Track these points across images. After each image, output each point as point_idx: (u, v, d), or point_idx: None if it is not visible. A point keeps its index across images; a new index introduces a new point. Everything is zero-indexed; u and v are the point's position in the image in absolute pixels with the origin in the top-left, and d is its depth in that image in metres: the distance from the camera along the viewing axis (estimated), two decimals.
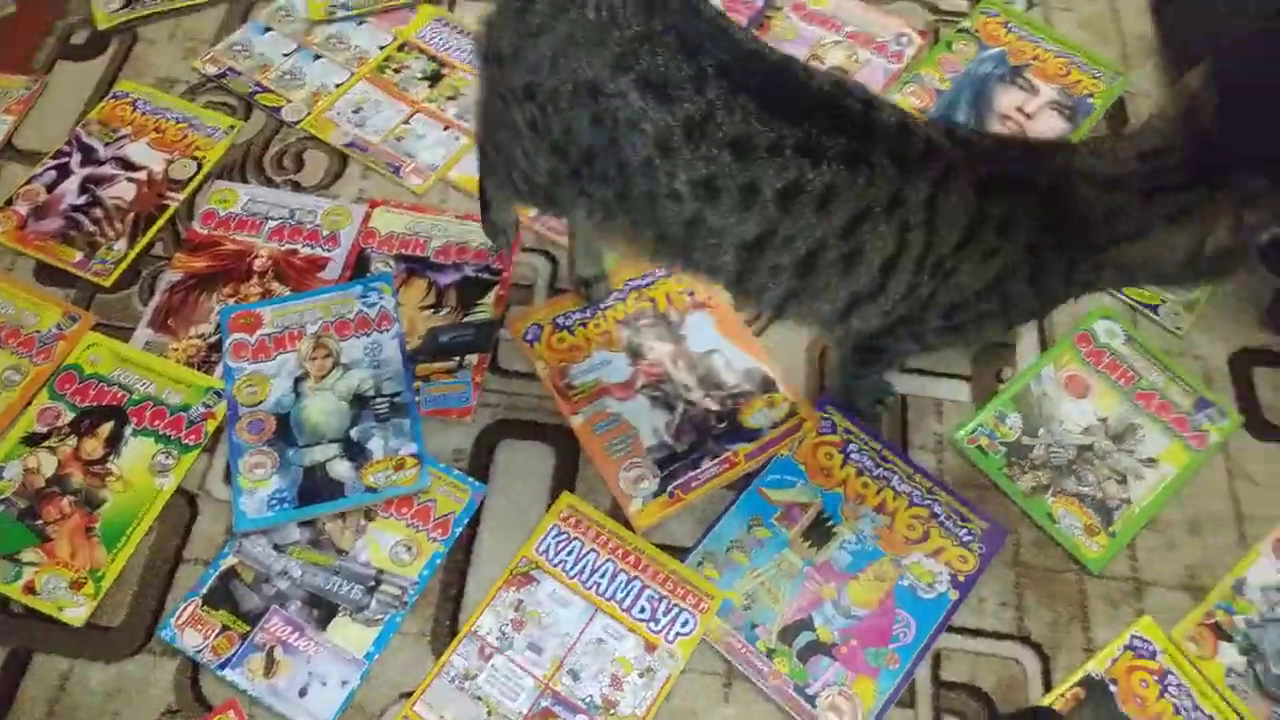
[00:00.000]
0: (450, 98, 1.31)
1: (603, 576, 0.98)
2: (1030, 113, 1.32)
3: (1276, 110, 0.89)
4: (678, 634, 0.95)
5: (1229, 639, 0.97)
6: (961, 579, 0.98)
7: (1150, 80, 1.37)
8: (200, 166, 1.26)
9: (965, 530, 1.01)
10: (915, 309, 0.86)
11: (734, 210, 0.79)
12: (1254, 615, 0.98)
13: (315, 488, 1.02)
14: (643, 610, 0.96)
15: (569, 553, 0.99)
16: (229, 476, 1.03)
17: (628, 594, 0.97)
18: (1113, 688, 0.94)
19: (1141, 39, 1.41)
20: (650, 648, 0.94)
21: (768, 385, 1.09)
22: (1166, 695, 0.94)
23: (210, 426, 1.06)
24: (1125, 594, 0.99)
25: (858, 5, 1.41)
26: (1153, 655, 0.95)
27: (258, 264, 1.18)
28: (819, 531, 1.01)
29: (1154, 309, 1.17)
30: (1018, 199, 0.81)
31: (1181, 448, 1.07)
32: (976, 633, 0.96)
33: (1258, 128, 0.78)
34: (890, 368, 1.06)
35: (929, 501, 1.02)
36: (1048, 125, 1.30)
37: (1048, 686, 0.94)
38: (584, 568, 0.98)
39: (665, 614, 0.96)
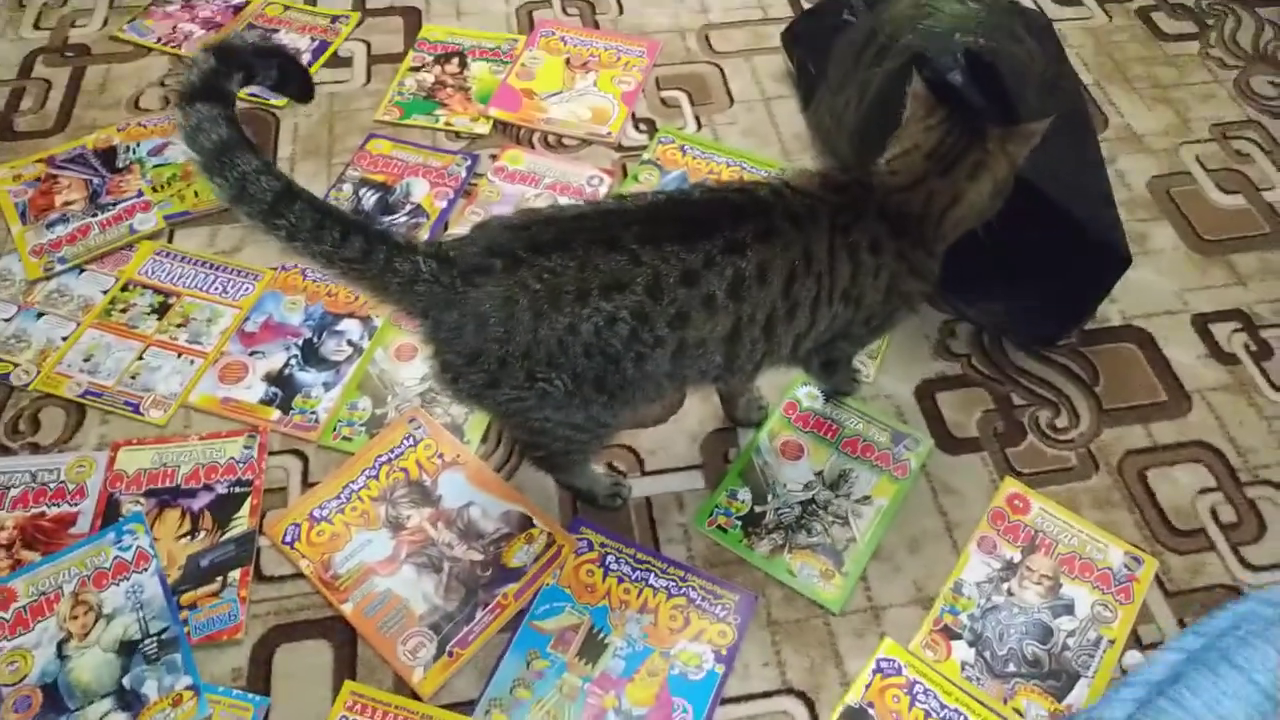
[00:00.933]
0: (180, 325, 1.36)
1: None
2: None
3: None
4: None
5: (958, 636, 1.10)
6: (724, 652, 1.08)
7: (810, 167, 1.59)
8: None
9: (720, 606, 1.11)
10: (843, 327, 1.07)
11: (705, 321, 0.95)
12: (974, 609, 1.12)
13: None
14: None
15: None
16: None
17: None
18: (871, 711, 1.05)
19: (797, 136, 1.65)
20: None
21: (525, 523, 1.18)
22: (916, 703, 1.05)
23: None
24: (866, 623, 1.12)
25: (549, 158, 1.58)
26: (899, 671, 1.07)
27: (4, 537, 1.17)
28: (592, 647, 1.08)
29: None
30: (869, 225, 1.02)
31: (889, 480, 1.23)
32: (746, 698, 1.06)
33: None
34: (849, 366, 1.27)
35: (684, 589, 1.12)
36: None
37: None
38: None
39: None
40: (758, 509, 1.20)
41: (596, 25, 1.83)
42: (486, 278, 0.91)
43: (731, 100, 1.69)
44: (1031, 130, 1.04)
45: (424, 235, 1.47)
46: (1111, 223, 1.31)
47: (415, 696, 1.05)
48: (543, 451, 1.09)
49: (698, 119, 1.66)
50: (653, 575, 1.14)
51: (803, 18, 1.71)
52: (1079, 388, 1.34)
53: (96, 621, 1.10)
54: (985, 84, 1.18)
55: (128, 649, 1.08)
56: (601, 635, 1.09)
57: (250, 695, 1.05)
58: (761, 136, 1.64)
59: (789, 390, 1.30)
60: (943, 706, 1.05)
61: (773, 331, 1.00)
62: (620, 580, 1.13)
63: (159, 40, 1.78)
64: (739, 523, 1.19)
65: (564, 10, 1.85)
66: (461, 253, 0.93)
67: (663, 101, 1.68)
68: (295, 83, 0.97)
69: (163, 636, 1.08)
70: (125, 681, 1.05)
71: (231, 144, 0.87)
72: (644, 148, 1.60)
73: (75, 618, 1.10)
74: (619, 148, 1.61)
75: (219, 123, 0.87)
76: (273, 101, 1.65)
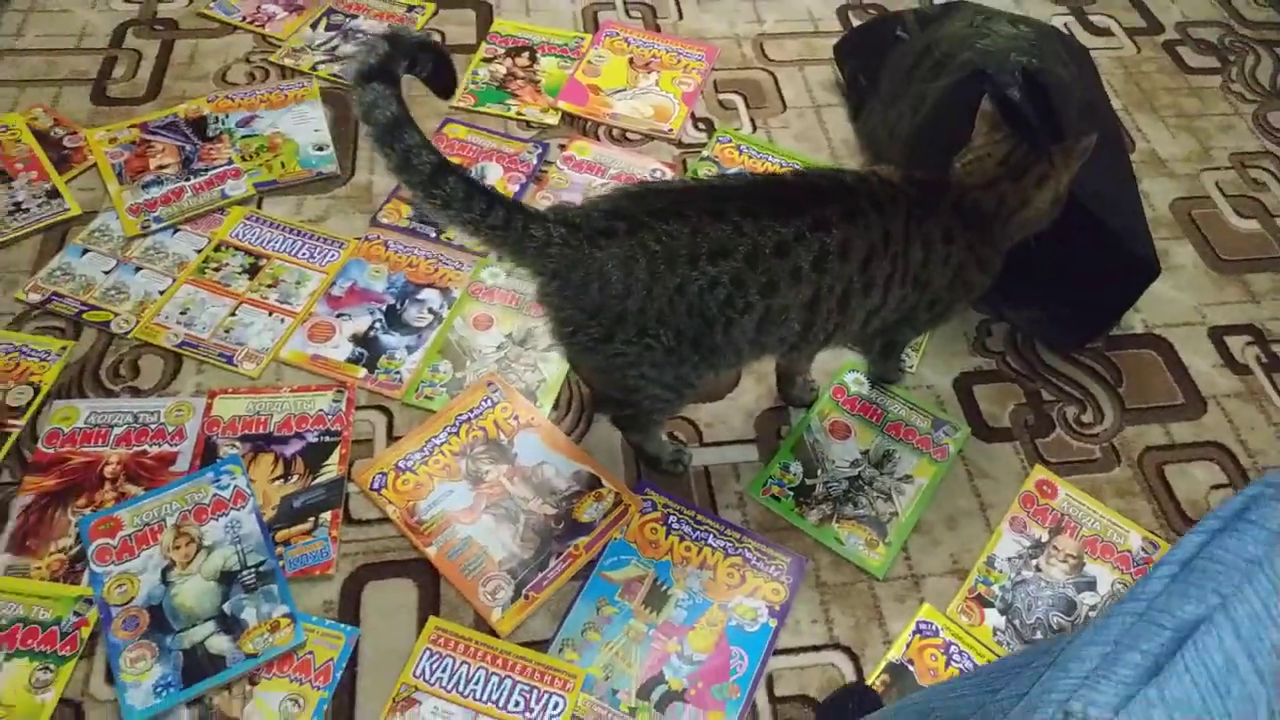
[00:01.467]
0: (270, 285, 1.46)
1: (477, 684, 1.10)
2: None
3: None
4: (551, 716, 1.08)
5: (990, 605, 1.20)
6: (777, 608, 1.18)
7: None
8: (37, 390, 1.33)
9: (773, 567, 1.21)
10: (909, 310, 1.17)
11: (790, 289, 1.05)
12: (1005, 582, 1.22)
13: (198, 666, 1.10)
14: (517, 704, 1.09)
15: (443, 670, 1.11)
16: (111, 676, 1.09)
17: (501, 693, 1.10)
18: (911, 667, 1.14)
19: (845, 141, 1.75)
20: None
21: (594, 483, 1.27)
22: (952, 662, 1.15)
23: (85, 633, 1.12)
24: (907, 589, 1.21)
25: (616, 150, 1.68)
26: (936, 633, 1.17)
27: (109, 470, 1.26)
28: (656, 597, 1.18)
29: None
30: (943, 217, 1.14)
31: (929, 462, 1.33)
32: (797, 650, 1.15)
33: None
34: (899, 354, 1.39)
35: (741, 550, 1.22)
36: None
37: (861, 679, 1.13)
38: (459, 680, 1.10)
39: (537, 702, 1.09)
40: (808, 481, 1.29)
41: (658, 29, 1.93)
42: (610, 240, 1.01)
43: (784, 105, 1.79)
44: (1084, 146, 1.15)
45: None
46: (1143, 236, 1.42)
47: (493, 633, 1.14)
48: (629, 410, 1.19)
49: (753, 121, 1.76)
50: (711, 536, 1.23)
51: (855, 33, 1.82)
52: (1104, 388, 1.44)
53: (198, 552, 1.19)
54: (1038, 101, 1.29)
55: (228, 578, 1.17)
56: (665, 587, 1.19)
57: (342, 625, 1.14)
58: (813, 141, 1.74)
59: (837, 375, 1.40)
60: (976, 667, 1.15)
61: (847, 304, 1.10)
62: (682, 539, 1.23)
63: (243, 19, 1.88)
64: (790, 493, 1.28)
65: (627, 13, 1.96)
66: (587, 217, 1.02)
67: (720, 103, 1.79)
68: (444, 80, 1.06)
69: (260, 568, 1.17)
70: (226, 607, 1.14)
71: (401, 121, 0.96)
72: (703, 145, 1.70)
73: (178, 548, 1.19)
74: (679, 144, 1.71)
75: (390, 101, 0.96)
76: None
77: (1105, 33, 2.02)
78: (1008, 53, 1.36)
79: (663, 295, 1.01)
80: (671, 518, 1.25)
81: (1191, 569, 0.49)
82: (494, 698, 1.09)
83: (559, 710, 1.09)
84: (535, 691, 1.10)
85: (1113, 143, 1.51)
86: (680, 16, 1.96)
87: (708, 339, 1.06)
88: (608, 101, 1.75)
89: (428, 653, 1.12)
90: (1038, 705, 0.51)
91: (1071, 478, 1.33)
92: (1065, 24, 2.01)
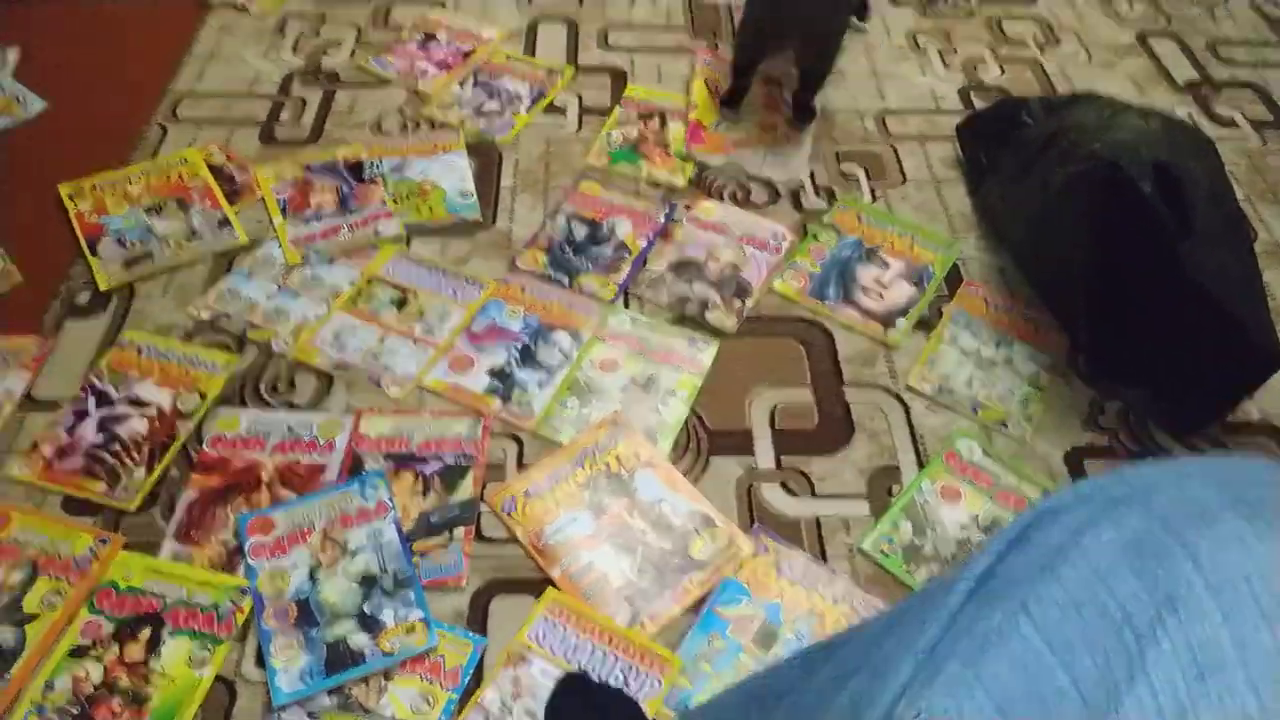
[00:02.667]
0: (416, 318, 1.58)
1: (582, 653, 1.18)
2: (885, 283, 1.67)
3: None
4: (645, 696, 1.15)
5: None
6: None
7: (974, 246, 1.75)
8: (204, 398, 1.47)
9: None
10: None
11: None
12: None
13: (340, 658, 1.18)
14: (617, 678, 1.16)
15: (555, 636, 1.20)
16: (261, 660, 1.18)
17: (604, 665, 1.17)
18: None
19: (962, 214, 1.81)
20: None
21: (708, 522, 1.33)
22: None
23: (239, 619, 1.22)
24: None
25: (739, 212, 1.77)
26: None
27: (265, 475, 1.37)
28: (766, 636, 1.22)
29: (1003, 425, 1.47)
30: None
31: None
32: None
33: None
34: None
35: (849, 599, 1.25)
36: (900, 292, 1.65)
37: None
38: (568, 647, 1.19)
39: (635, 679, 1.16)
40: (917, 541, 1.33)
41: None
42: None
43: (904, 178, 1.86)
44: None
45: (626, 269, 1.66)
46: (1268, 326, 1.43)
47: None
48: None
49: (873, 191, 1.83)
50: (820, 584, 1.27)
51: (979, 115, 1.89)
52: None
53: (342, 555, 1.28)
54: (1170, 195, 1.33)
55: (368, 581, 1.26)
56: (775, 628, 1.23)
57: (470, 633, 1.22)
58: (931, 212, 1.80)
59: (951, 441, 1.44)
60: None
61: None
62: (792, 583, 1.27)
63: (398, 73, 2.05)
64: (900, 550, 1.32)
65: None
66: None
67: (842, 173, 1.87)
68: None
69: (398, 575, 1.26)
70: (366, 608, 1.23)
71: None
72: (824, 211, 1.78)
73: (324, 550, 1.29)
74: (801, 210, 1.79)
75: None
76: (499, 138, 1.89)
77: (1229, 124, 2.04)
78: (1138, 147, 1.41)
79: None
80: (783, 563, 1.29)
81: (988, 582, 0.52)
82: (595, 668, 1.17)
83: (655, 691, 1.16)
84: (634, 669, 1.17)
85: (1237, 233, 1.53)
86: None
87: None
88: None
89: (543, 619, 1.20)
90: (862, 716, 0.52)
91: None
92: (1189, 114, 2.04)
